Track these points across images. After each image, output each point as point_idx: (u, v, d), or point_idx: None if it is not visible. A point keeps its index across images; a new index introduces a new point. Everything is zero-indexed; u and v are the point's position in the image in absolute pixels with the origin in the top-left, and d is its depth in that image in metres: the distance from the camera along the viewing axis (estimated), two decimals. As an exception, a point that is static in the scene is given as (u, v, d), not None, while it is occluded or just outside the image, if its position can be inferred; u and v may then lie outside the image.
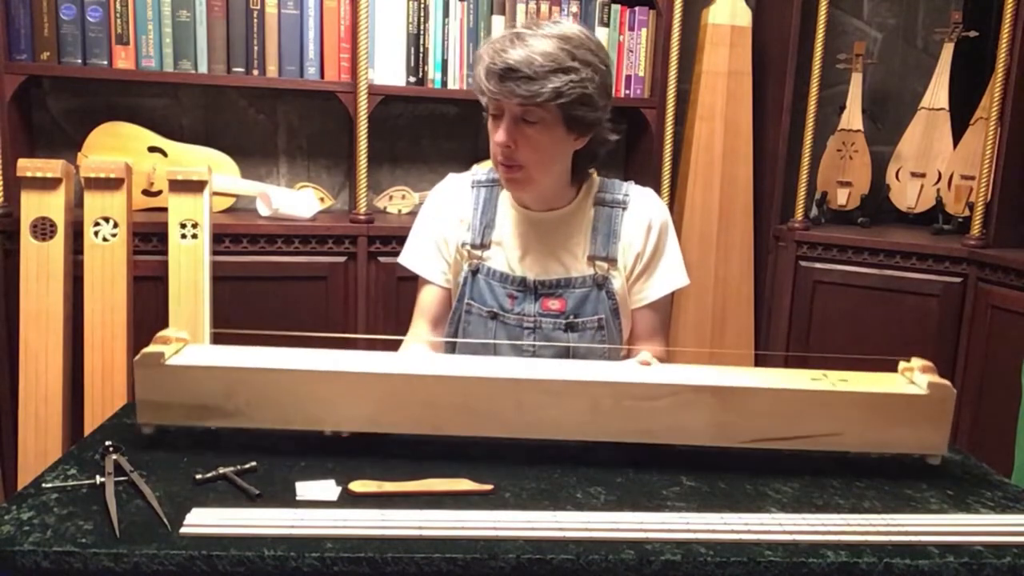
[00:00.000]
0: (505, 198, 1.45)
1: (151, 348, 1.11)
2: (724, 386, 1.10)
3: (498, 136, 1.31)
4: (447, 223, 1.47)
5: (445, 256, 1.47)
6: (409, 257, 1.50)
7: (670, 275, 1.45)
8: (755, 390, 1.11)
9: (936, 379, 1.13)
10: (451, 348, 1.47)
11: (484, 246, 1.43)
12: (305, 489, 1.01)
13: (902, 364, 1.20)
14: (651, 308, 1.46)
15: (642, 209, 1.44)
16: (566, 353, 1.40)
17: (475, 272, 1.43)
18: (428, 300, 1.49)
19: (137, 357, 1.10)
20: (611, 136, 1.41)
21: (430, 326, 1.48)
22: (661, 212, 1.46)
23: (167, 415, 1.10)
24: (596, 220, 1.43)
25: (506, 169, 1.34)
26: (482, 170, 1.49)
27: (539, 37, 1.27)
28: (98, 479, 1.00)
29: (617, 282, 1.42)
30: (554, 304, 1.40)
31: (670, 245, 1.46)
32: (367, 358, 1.15)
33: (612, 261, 1.41)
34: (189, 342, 1.18)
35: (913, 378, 1.16)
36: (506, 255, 1.43)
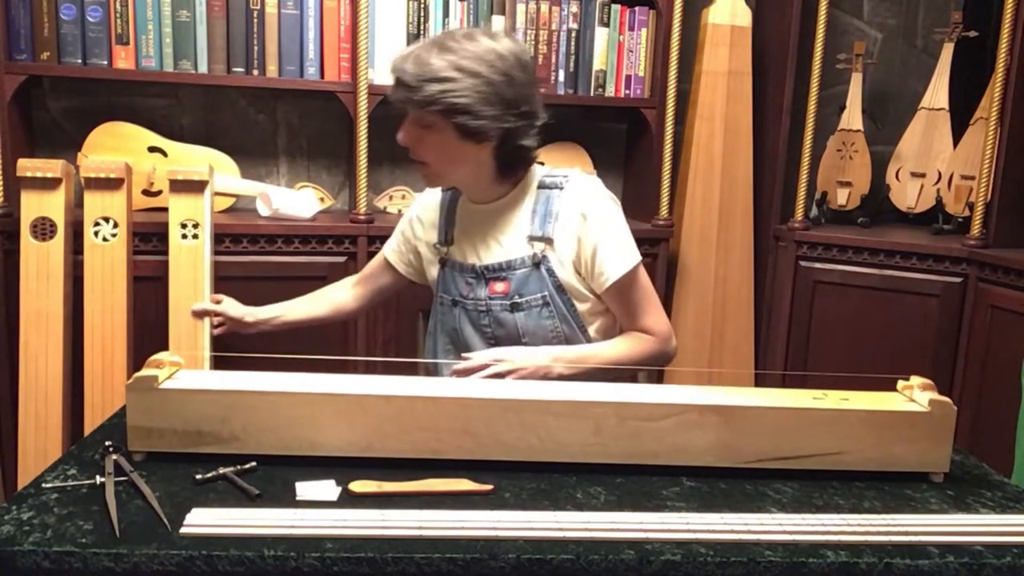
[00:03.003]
0: (463, 196, 1.55)
1: (144, 372, 1.08)
2: (728, 405, 1.11)
3: (398, 135, 1.43)
4: (419, 227, 1.63)
5: (407, 247, 1.66)
6: (385, 249, 1.72)
7: (617, 258, 1.46)
8: (758, 409, 1.11)
9: (936, 396, 1.13)
10: (434, 342, 1.60)
11: (448, 242, 1.56)
12: (305, 489, 1.01)
13: (901, 383, 1.20)
14: (615, 289, 1.47)
15: (578, 192, 1.48)
16: (516, 332, 1.48)
17: (443, 265, 1.56)
18: (370, 263, 1.77)
19: (129, 381, 1.07)
20: (527, 142, 1.45)
21: (357, 278, 1.77)
22: (594, 200, 1.47)
23: (159, 442, 1.07)
24: (536, 203, 1.49)
25: (417, 165, 1.46)
26: None
27: (432, 45, 1.37)
28: (98, 479, 1.00)
29: (555, 258, 1.47)
30: (499, 287, 1.48)
31: (610, 231, 1.46)
32: (366, 380, 1.14)
33: (548, 240, 1.47)
34: (183, 366, 1.15)
35: (913, 396, 1.17)
36: (462, 247, 1.54)
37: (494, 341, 1.50)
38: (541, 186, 1.50)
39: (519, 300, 1.47)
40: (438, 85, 1.34)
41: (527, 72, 1.41)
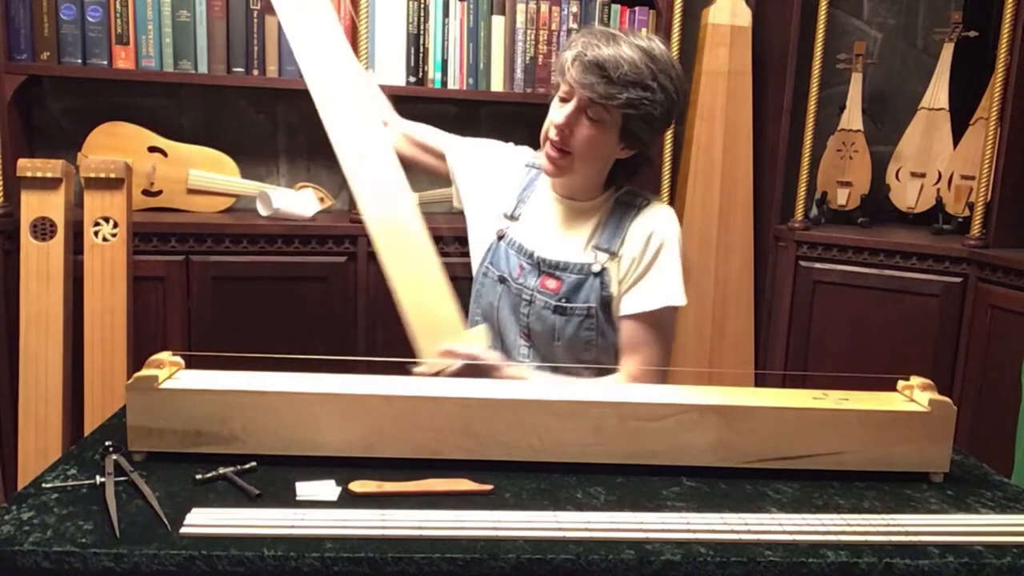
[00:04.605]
0: (544, 181, 1.52)
1: (144, 372, 1.08)
2: (728, 405, 1.10)
3: (557, 117, 1.38)
4: (506, 171, 1.57)
5: (477, 164, 1.59)
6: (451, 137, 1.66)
7: (659, 290, 1.43)
8: (758, 409, 1.11)
9: (936, 396, 1.13)
10: (466, 308, 1.55)
11: (514, 218, 1.53)
12: (305, 489, 1.01)
13: (901, 383, 1.20)
14: (634, 320, 1.44)
15: (651, 218, 1.45)
16: (552, 333, 1.45)
17: (500, 238, 1.52)
18: (431, 133, 1.67)
19: (129, 381, 1.07)
20: (652, 156, 1.48)
21: (422, 131, 1.67)
22: (667, 227, 1.45)
23: (159, 442, 1.07)
24: (608, 215, 1.47)
25: (554, 151, 1.40)
26: (539, 153, 1.54)
27: (632, 46, 1.33)
28: (98, 479, 1.00)
29: (613, 274, 1.44)
30: (551, 284, 1.46)
31: (667, 261, 1.43)
32: (366, 380, 1.14)
33: (612, 255, 1.44)
34: (183, 366, 1.15)
35: (913, 396, 1.17)
36: (527, 229, 1.51)
37: (527, 332, 1.48)
38: (618, 202, 1.48)
39: (565, 305, 1.44)
40: (640, 92, 1.32)
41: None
